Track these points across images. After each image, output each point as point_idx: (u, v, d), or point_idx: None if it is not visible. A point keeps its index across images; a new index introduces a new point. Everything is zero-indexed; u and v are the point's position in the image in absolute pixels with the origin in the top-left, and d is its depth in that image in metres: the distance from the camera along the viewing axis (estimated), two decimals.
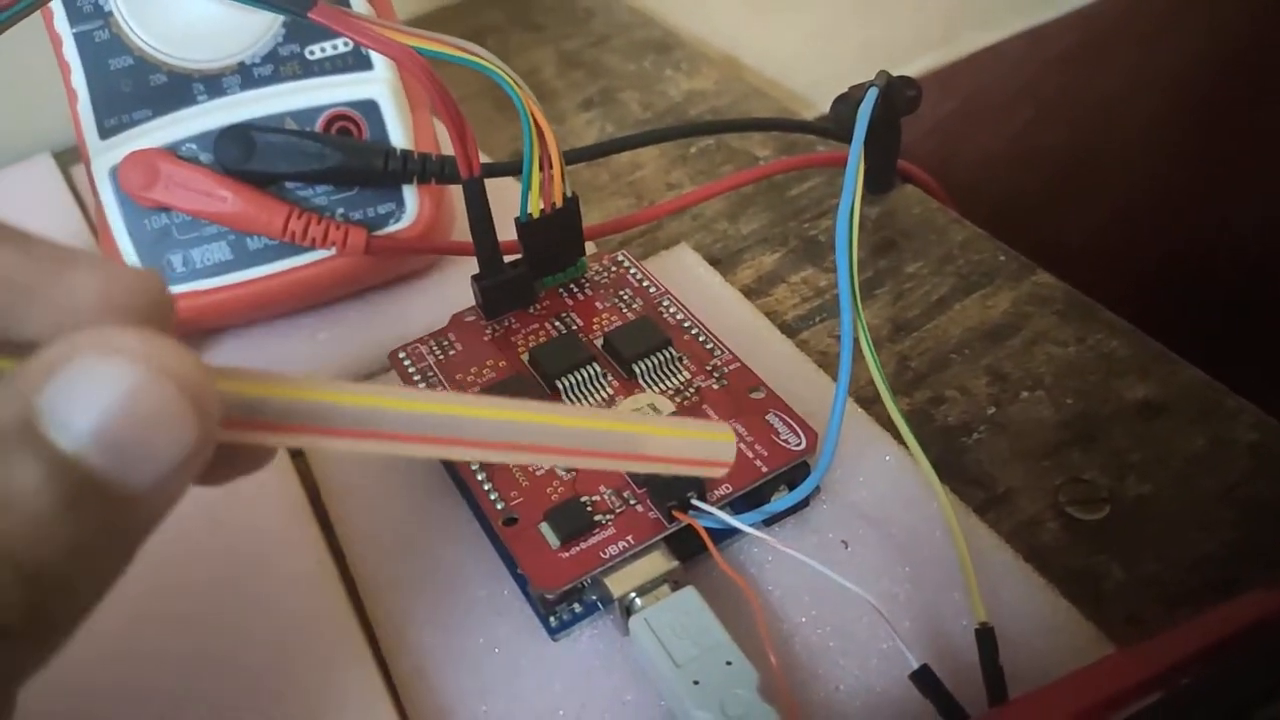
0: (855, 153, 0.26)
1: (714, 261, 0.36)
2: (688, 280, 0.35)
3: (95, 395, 0.14)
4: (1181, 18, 0.80)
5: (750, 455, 0.26)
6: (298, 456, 0.31)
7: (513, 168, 0.33)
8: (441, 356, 0.30)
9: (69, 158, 0.45)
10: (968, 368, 0.32)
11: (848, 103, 0.33)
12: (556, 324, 0.30)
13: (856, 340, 0.25)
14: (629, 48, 0.51)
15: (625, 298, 0.31)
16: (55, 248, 0.17)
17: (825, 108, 0.34)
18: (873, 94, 0.28)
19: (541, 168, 0.29)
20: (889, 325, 0.33)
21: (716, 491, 0.25)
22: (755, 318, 0.33)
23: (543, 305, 0.31)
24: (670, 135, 0.39)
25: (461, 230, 0.34)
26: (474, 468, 0.26)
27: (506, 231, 0.30)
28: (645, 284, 0.31)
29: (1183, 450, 0.28)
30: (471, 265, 0.31)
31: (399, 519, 0.28)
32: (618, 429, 0.18)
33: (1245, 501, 0.27)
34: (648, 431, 0.19)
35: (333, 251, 0.32)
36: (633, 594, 0.24)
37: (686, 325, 0.30)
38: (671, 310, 0.30)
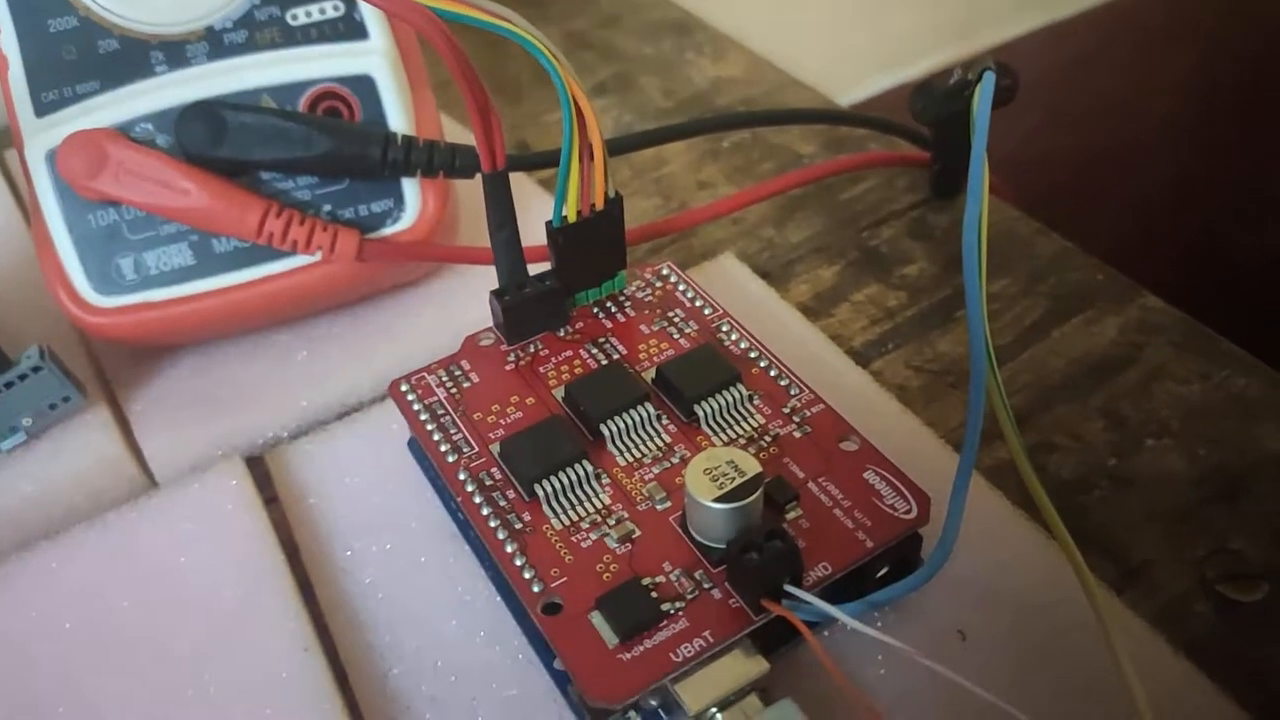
0: (979, 153, 0.21)
1: (761, 274, 0.31)
2: (736, 298, 0.29)
3: None
4: (1197, 17, 0.76)
5: (850, 525, 0.21)
6: (271, 503, 0.25)
7: (535, 161, 0.28)
8: (454, 390, 0.24)
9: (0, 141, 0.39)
10: (1078, 408, 0.27)
11: (931, 93, 0.28)
12: (594, 351, 0.25)
13: (989, 396, 0.20)
14: (643, 28, 0.45)
15: (676, 320, 0.26)
16: None
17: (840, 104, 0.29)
18: (990, 78, 0.23)
19: (580, 160, 0.24)
20: None
21: (812, 573, 0.20)
22: (823, 345, 0.28)
23: (577, 328, 0.26)
24: (711, 127, 0.34)
25: (468, 235, 0.29)
26: (500, 535, 0.21)
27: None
28: (699, 303, 0.26)
29: None
30: (479, 276, 0.26)
31: (404, 588, 0.23)
32: None
33: None
34: None
35: (318, 257, 0.27)
36: (714, 709, 0.19)
37: (754, 356, 0.24)
38: (734, 337, 0.25)
